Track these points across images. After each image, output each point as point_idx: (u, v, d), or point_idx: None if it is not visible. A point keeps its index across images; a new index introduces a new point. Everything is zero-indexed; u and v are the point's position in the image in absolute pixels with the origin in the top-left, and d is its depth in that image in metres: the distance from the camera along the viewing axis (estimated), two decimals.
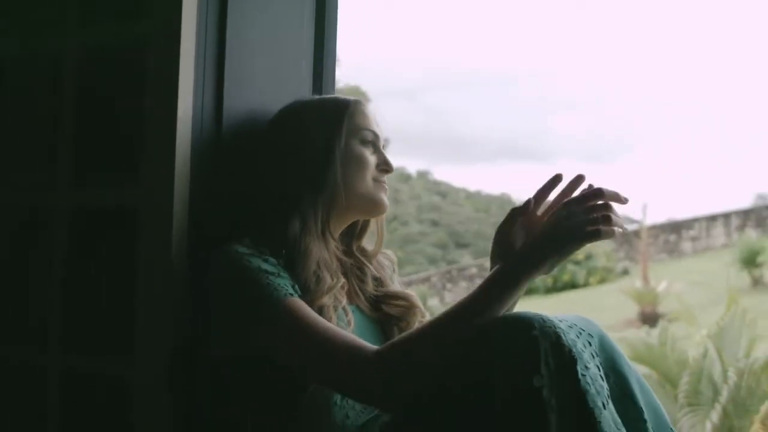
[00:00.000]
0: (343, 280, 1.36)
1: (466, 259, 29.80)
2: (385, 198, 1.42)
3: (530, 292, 19.17)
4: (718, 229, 24.72)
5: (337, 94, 1.52)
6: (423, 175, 44.40)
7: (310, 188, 1.35)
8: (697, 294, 16.24)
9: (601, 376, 1.10)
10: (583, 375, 1.05)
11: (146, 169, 1.40)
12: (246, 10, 1.49)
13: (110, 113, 1.49)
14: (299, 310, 1.23)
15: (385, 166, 1.42)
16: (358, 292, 1.43)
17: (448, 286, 22.67)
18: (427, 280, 22.67)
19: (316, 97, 1.52)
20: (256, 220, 1.38)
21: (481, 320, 1.13)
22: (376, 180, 1.40)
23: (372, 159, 1.40)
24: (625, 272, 20.74)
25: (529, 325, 1.09)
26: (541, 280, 18.37)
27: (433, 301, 18.81)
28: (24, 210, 1.56)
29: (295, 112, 1.43)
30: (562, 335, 1.07)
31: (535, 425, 1.03)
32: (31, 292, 1.53)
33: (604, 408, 1.06)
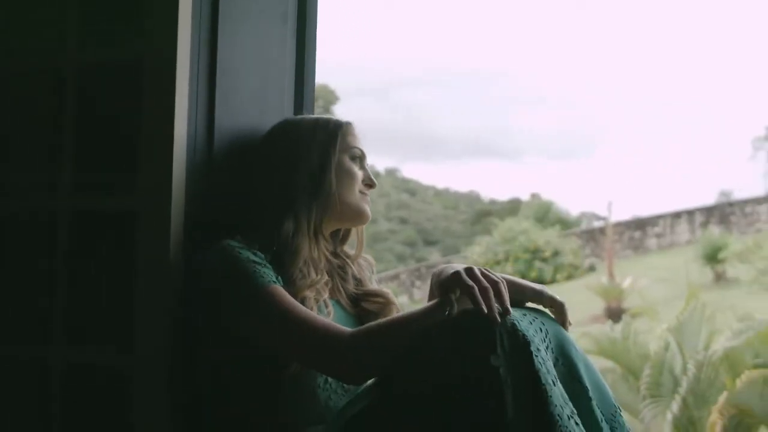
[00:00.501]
0: (326, 277, 1.52)
1: (434, 256, 29.97)
2: (369, 209, 1.59)
3: None
4: (683, 226, 25.12)
5: (318, 114, 1.69)
6: (392, 172, 44.51)
7: (306, 195, 1.51)
8: (661, 289, 16.57)
9: (551, 358, 1.27)
10: (536, 356, 1.22)
11: (145, 179, 1.54)
12: (235, 35, 1.65)
13: (110, 128, 1.63)
14: (281, 296, 1.40)
15: (369, 181, 1.59)
16: (340, 289, 1.59)
17: (417, 283, 22.83)
18: (396, 277, 22.82)
19: (310, 116, 1.68)
20: (247, 222, 1.53)
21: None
22: (362, 192, 1.57)
23: (359, 174, 1.57)
24: (592, 269, 21.00)
25: (507, 319, 1.26)
26: None
27: (402, 298, 19.00)
28: (34, 214, 1.69)
29: (290, 128, 1.60)
30: (516, 322, 1.24)
31: (493, 400, 1.20)
32: (37, 290, 1.67)
33: (554, 385, 1.22)
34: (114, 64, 1.62)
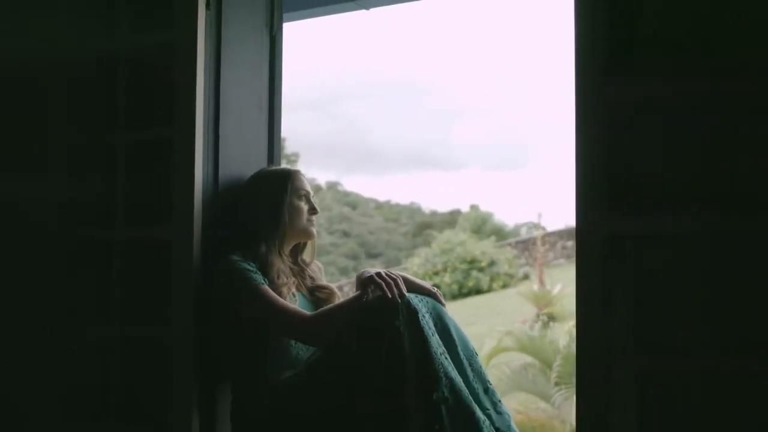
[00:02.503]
0: (293, 278, 2.39)
1: (377, 268, 30.66)
2: (313, 230, 2.45)
3: None
4: None
5: (282, 165, 2.54)
6: (333, 186, 44.88)
7: (269, 227, 2.37)
8: None
9: (432, 321, 2.15)
10: (422, 318, 2.09)
11: (177, 215, 2.38)
12: (229, 114, 2.50)
13: (150, 184, 2.47)
14: (268, 292, 2.26)
15: (312, 212, 2.44)
16: (302, 285, 2.46)
17: None
18: (340, 289, 23.34)
19: (271, 168, 2.54)
20: (240, 243, 2.38)
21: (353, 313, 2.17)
22: (308, 219, 2.43)
23: (305, 207, 2.43)
24: (526, 277, 21.82)
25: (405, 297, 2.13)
26: (447, 286, 19.31)
27: None
28: (98, 242, 2.52)
29: (258, 179, 2.47)
30: (410, 300, 2.11)
31: (396, 346, 2.06)
32: (104, 291, 2.49)
33: (432, 335, 2.09)
34: (153, 142, 2.46)
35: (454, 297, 19.97)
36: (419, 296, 2.19)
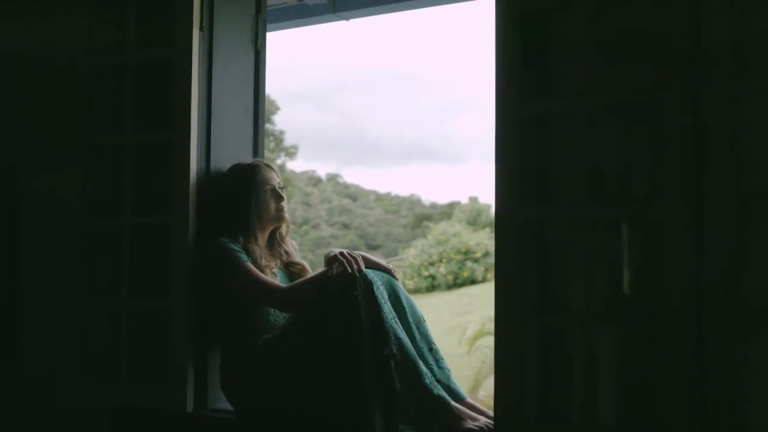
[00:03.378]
0: (273, 261, 2.84)
1: None
2: (284, 215, 2.89)
3: (433, 288, 20.19)
4: None
5: (251, 160, 2.97)
6: (333, 178, 45.13)
7: (240, 222, 2.82)
8: None
9: (386, 292, 2.60)
10: (376, 289, 2.54)
11: (174, 204, 2.83)
12: (220, 119, 2.95)
13: (150, 178, 2.92)
14: (251, 268, 2.71)
15: (279, 200, 2.87)
16: (279, 262, 2.91)
17: None
18: None
19: (240, 164, 2.94)
20: (226, 228, 2.83)
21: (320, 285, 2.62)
22: (276, 209, 2.87)
23: (271, 199, 2.86)
24: None
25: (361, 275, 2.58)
26: (443, 277, 19.68)
27: None
28: (110, 227, 2.97)
29: (233, 172, 2.90)
30: (367, 274, 2.56)
31: (354, 313, 2.51)
32: (115, 270, 2.95)
33: (385, 303, 2.55)
34: (155, 144, 2.91)
35: (449, 287, 20.30)
36: (376, 271, 2.64)
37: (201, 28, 2.87)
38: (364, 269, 2.59)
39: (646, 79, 2.15)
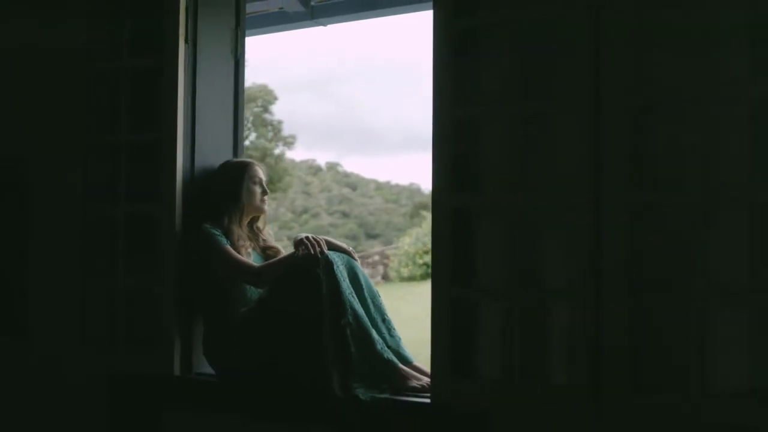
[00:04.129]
0: (249, 242, 3.26)
1: (376, 248, 31.42)
2: (265, 207, 3.31)
3: (427, 276, 20.56)
4: None
5: (243, 158, 3.39)
6: (333, 167, 45.34)
7: (231, 205, 3.24)
8: None
9: (346, 270, 3.01)
10: (336, 268, 2.95)
11: (165, 195, 3.24)
12: (203, 121, 3.36)
13: (144, 172, 3.33)
14: (230, 251, 3.13)
15: (264, 193, 3.30)
16: (257, 246, 3.33)
17: None
18: None
19: (234, 160, 3.38)
20: (210, 216, 3.24)
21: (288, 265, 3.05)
22: (261, 200, 3.29)
23: (258, 191, 3.29)
24: None
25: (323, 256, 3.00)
26: (424, 270, 20.08)
27: None
28: (106, 216, 3.38)
29: (223, 169, 3.32)
30: (328, 255, 2.98)
31: (315, 287, 2.92)
32: (111, 253, 3.36)
33: (344, 280, 2.96)
34: (146, 142, 3.32)
35: (423, 278, 20.71)
36: (337, 253, 3.05)
37: (186, 41, 3.27)
38: (327, 251, 3.00)
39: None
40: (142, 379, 3.31)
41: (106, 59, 3.42)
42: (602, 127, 2.46)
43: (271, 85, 32.49)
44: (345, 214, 38.53)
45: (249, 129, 30.74)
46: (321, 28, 4.80)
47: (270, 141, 30.50)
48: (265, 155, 29.53)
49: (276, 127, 30.79)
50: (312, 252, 2.97)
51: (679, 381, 2.38)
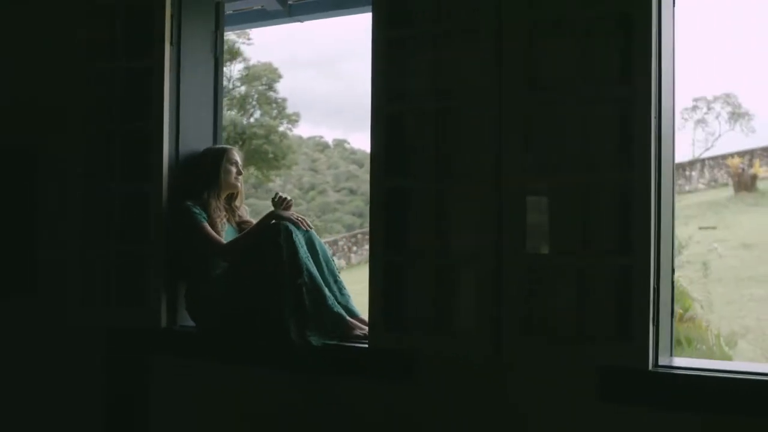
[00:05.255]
0: (225, 214, 3.85)
1: None
2: (239, 184, 3.90)
3: None
4: None
5: (223, 144, 3.98)
6: (340, 144, 45.74)
7: (210, 182, 3.82)
8: None
9: (304, 239, 3.60)
10: (296, 237, 3.53)
11: (154, 176, 3.83)
12: (186, 112, 3.94)
13: (136, 152, 3.92)
14: (205, 227, 3.72)
15: (239, 173, 3.89)
16: (233, 220, 3.92)
17: (354, 248, 24.95)
18: (334, 243, 24.85)
19: (215, 146, 3.97)
20: (191, 194, 3.83)
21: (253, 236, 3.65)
22: (235, 178, 3.88)
23: (234, 170, 3.87)
24: None
25: (283, 224, 3.58)
26: None
27: (339, 263, 21.08)
28: (104, 193, 3.97)
29: (208, 152, 3.91)
30: (289, 224, 3.57)
31: (278, 253, 3.51)
32: (107, 224, 3.95)
33: (302, 247, 3.55)
34: (137, 131, 3.90)
35: None
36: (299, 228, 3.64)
37: (171, 44, 3.84)
38: (287, 222, 3.60)
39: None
40: (135, 331, 3.91)
41: (104, 60, 3.99)
42: (503, 121, 3.04)
43: (275, 63, 32.75)
44: (352, 191, 38.86)
45: (253, 107, 31.28)
46: (297, 24, 5.34)
47: (274, 119, 30.95)
48: (269, 133, 30.03)
49: (280, 105, 31.25)
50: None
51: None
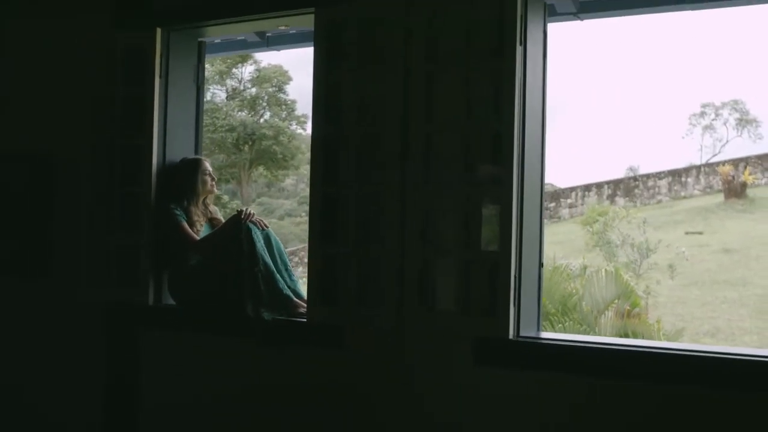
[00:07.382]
0: (202, 218, 4.77)
1: None
2: (214, 189, 4.84)
3: None
4: (592, 198, 28.07)
5: (196, 156, 4.91)
6: None
7: (188, 191, 4.74)
8: (554, 249, 19.90)
9: (263, 237, 4.51)
10: (254, 234, 4.44)
11: (144, 183, 4.76)
12: (173, 131, 4.86)
13: (129, 164, 4.85)
14: (184, 227, 4.64)
15: (213, 182, 4.82)
16: (207, 219, 4.84)
17: None
18: None
19: (192, 157, 4.89)
20: (173, 198, 4.75)
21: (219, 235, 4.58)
22: (210, 185, 4.80)
23: (209, 179, 4.79)
24: None
25: (245, 224, 4.50)
26: None
27: None
28: (104, 194, 4.90)
29: (183, 163, 4.82)
30: (249, 224, 4.48)
31: (239, 246, 4.42)
32: (107, 219, 4.88)
33: (259, 241, 4.46)
34: (133, 145, 4.83)
35: None
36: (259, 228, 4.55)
37: (160, 76, 4.77)
38: (248, 222, 4.50)
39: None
40: (128, 307, 4.84)
41: (108, 86, 4.91)
42: (410, 138, 3.94)
43: (285, 66, 33.63)
44: None
45: (264, 108, 32.23)
46: (275, 52, 6.24)
47: (283, 120, 31.87)
48: (278, 134, 30.99)
49: (289, 107, 32.19)
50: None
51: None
